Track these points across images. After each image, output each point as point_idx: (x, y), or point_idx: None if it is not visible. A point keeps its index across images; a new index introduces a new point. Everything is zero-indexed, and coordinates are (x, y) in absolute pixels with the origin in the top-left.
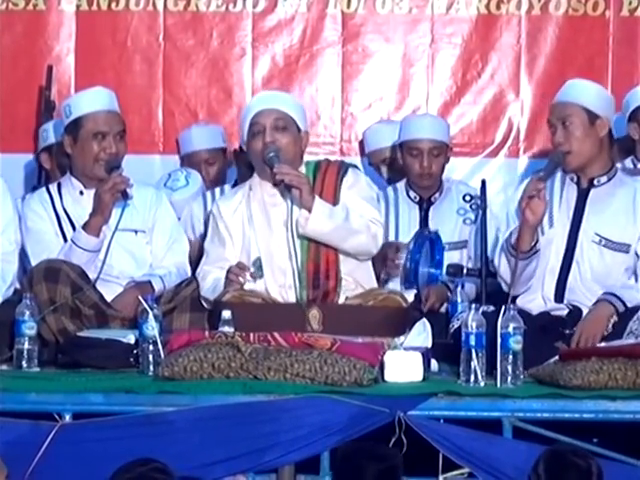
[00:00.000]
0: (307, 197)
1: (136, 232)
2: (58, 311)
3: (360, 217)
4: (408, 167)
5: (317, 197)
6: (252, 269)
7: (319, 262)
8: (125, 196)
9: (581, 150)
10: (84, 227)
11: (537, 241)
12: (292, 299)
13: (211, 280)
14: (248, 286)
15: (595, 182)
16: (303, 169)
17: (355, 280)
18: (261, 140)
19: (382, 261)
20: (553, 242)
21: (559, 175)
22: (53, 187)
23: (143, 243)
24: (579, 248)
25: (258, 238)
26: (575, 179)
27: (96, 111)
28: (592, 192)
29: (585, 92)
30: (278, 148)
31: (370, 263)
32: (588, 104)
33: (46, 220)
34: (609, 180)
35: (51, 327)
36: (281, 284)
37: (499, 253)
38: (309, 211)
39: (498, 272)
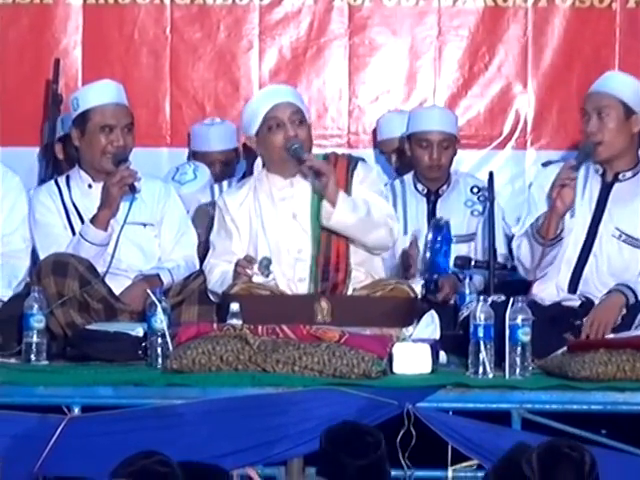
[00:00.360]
0: (333, 188)
1: (144, 225)
2: (66, 305)
3: (379, 211)
4: (417, 159)
5: (341, 190)
6: (260, 267)
7: (329, 255)
8: (133, 190)
9: (613, 142)
10: (92, 221)
11: (562, 229)
12: (301, 292)
13: (218, 273)
14: (257, 279)
15: (620, 177)
16: None
17: (366, 271)
18: (282, 134)
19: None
20: (572, 233)
21: (584, 166)
22: (62, 180)
23: (151, 236)
24: (598, 241)
25: (267, 232)
26: (600, 172)
27: (103, 104)
28: (616, 186)
29: (625, 86)
30: (300, 141)
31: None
32: (627, 99)
33: (54, 213)
34: (634, 176)
35: (59, 321)
36: (290, 278)
37: (519, 237)
38: (334, 203)
39: (517, 257)
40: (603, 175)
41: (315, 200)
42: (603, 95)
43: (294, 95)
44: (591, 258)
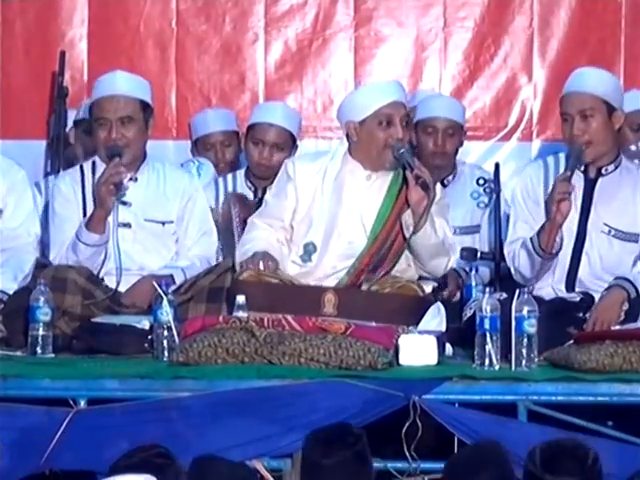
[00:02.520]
0: (429, 205)
1: (163, 224)
2: (68, 317)
3: (448, 241)
4: (422, 145)
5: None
6: (301, 252)
7: (377, 257)
8: (119, 188)
9: (600, 142)
10: (87, 223)
11: (562, 237)
12: (333, 283)
13: (249, 239)
14: (292, 268)
15: (603, 171)
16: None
17: (401, 277)
18: (389, 132)
19: None
20: (563, 233)
21: (563, 164)
22: (87, 165)
23: (169, 234)
24: (588, 239)
25: (326, 214)
26: (582, 168)
27: (102, 97)
28: (600, 181)
29: (604, 84)
30: (406, 144)
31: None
32: (608, 97)
33: (72, 204)
34: (616, 169)
35: (64, 330)
36: (327, 266)
37: (512, 246)
38: (425, 219)
39: (515, 267)
40: (585, 171)
41: (387, 202)
42: (584, 96)
43: (405, 97)
44: (584, 257)
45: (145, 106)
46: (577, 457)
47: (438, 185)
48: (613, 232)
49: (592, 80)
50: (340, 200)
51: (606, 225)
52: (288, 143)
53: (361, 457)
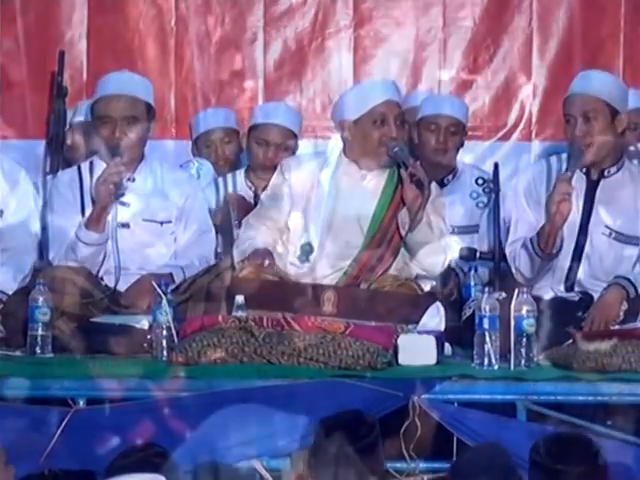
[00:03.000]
0: (424, 203)
1: (162, 224)
2: (66, 316)
3: (445, 240)
4: (424, 143)
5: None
6: (299, 252)
7: (374, 256)
8: (118, 188)
9: (602, 145)
10: (86, 223)
11: (563, 238)
12: (331, 282)
13: (246, 238)
14: (289, 269)
15: (605, 173)
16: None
17: (399, 275)
18: (383, 130)
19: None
20: (564, 234)
21: (566, 164)
22: (85, 165)
23: (167, 234)
24: (589, 241)
25: (322, 214)
26: (584, 170)
27: (108, 95)
28: (602, 183)
29: (608, 87)
30: (401, 143)
31: None
32: (611, 100)
33: (71, 203)
34: (618, 171)
35: (63, 330)
36: (324, 265)
37: (514, 246)
38: (421, 218)
39: (516, 267)
40: (587, 173)
41: (383, 201)
42: (587, 98)
43: (400, 96)
44: (584, 259)
45: (149, 108)
46: (582, 446)
47: (433, 183)
48: (614, 234)
49: (596, 82)
50: (336, 200)
51: (607, 227)
52: (292, 143)
53: (373, 447)
